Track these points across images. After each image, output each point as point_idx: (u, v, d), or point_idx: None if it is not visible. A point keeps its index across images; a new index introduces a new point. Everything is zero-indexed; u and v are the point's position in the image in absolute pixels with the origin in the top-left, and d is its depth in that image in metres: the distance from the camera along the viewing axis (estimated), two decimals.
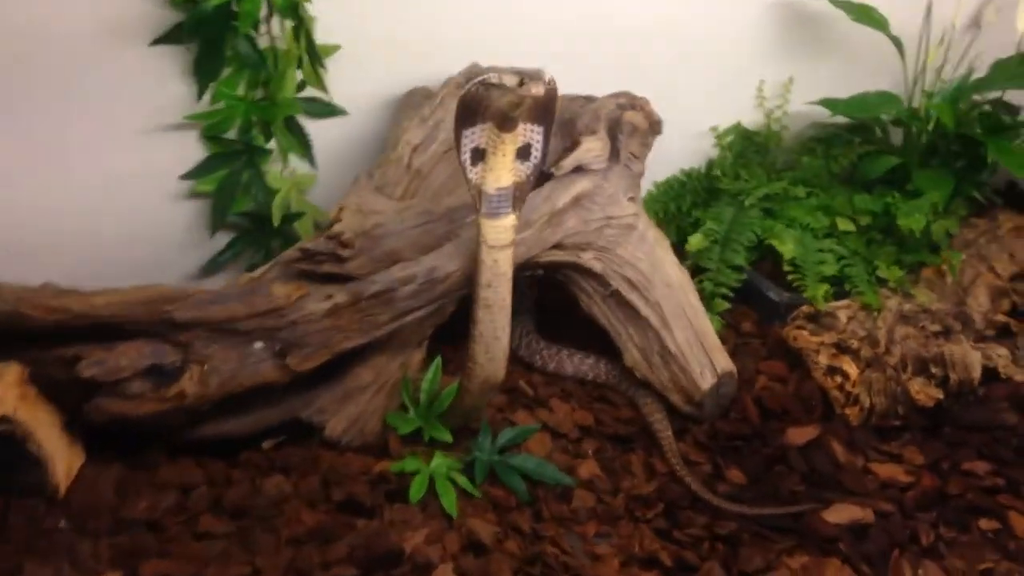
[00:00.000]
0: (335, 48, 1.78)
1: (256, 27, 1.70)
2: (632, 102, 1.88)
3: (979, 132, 2.13)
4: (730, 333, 2.06)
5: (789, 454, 1.80)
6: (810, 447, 1.82)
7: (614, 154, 1.83)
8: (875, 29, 2.14)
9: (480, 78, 1.46)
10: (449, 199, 1.69)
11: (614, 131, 1.83)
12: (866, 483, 1.75)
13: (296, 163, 1.88)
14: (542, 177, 1.72)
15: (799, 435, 1.84)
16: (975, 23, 2.35)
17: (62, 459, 1.57)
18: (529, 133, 1.52)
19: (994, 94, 2.24)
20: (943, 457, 1.83)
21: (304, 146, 1.86)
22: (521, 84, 1.42)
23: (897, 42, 2.16)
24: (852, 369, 1.88)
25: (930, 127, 2.18)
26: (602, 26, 2.13)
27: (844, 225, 2.10)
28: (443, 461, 1.68)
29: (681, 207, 2.22)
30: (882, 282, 2.04)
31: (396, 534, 1.54)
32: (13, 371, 1.49)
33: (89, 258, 1.79)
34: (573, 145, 1.79)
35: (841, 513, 1.68)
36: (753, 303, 2.10)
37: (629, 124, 1.84)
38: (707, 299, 1.98)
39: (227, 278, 1.88)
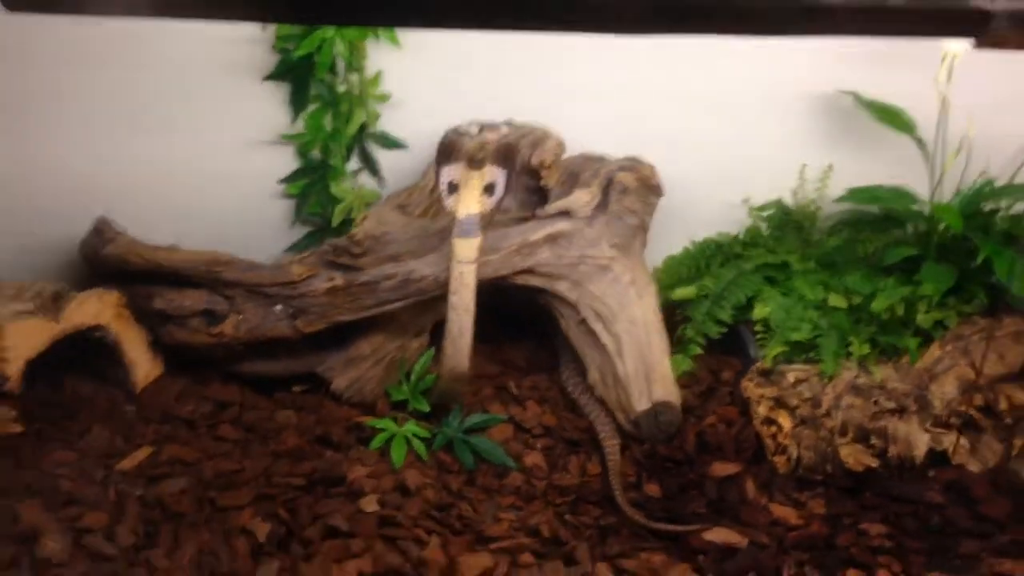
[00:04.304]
0: (386, 97, 2.28)
1: (335, 73, 2.24)
2: (632, 165, 2.25)
3: (980, 235, 2.27)
4: (709, 377, 2.33)
5: (706, 482, 2.07)
6: (727, 481, 2.08)
7: (602, 206, 2.20)
8: (899, 131, 2.35)
9: (454, 127, 1.92)
10: (444, 220, 2.14)
11: (607, 187, 2.21)
12: (758, 517, 1.99)
13: (367, 181, 2.40)
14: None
15: (722, 469, 2.10)
16: None
17: (143, 366, 2.17)
18: (494, 174, 1.96)
19: None
20: (847, 514, 2.02)
21: (373, 169, 2.37)
22: (480, 132, 1.88)
23: (922, 144, 2.35)
24: (786, 422, 2.12)
25: (941, 226, 2.33)
26: (658, 97, 2.48)
27: (835, 301, 2.31)
28: (412, 427, 2.12)
29: (710, 265, 2.52)
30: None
31: (347, 467, 2.00)
32: (113, 296, 2.11)
33: (208, 233, 2.37)
34: (565, 194, 2.19)
35: (718, 534, 1.94)
36: (738, 355, 2.36)
37: (620, 183, 2.21)
38: (685, 343, 2.29)
39: None
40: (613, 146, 2.40)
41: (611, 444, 2.10)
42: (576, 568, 1.86)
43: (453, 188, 1.96)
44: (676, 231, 2.52)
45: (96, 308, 2.07)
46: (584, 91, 2.44)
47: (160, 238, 2.22)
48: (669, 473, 2.11)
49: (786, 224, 2.56)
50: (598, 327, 2.17)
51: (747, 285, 2.36)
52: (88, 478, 1.92)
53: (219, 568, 1.76)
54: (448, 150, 1.95)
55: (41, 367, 2.06)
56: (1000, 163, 2.38)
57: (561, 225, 2.16)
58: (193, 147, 2.34)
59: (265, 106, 2.33)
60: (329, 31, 2.16)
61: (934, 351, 2.25)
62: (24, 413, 2.04)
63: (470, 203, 1.95)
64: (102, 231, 2.18)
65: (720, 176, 2.54)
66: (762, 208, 2.58)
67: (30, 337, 1.97)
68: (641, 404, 2.11)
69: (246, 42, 2.27)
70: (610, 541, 1.91)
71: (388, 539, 1.86)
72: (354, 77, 2.26)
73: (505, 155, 1.94)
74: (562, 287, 2.18)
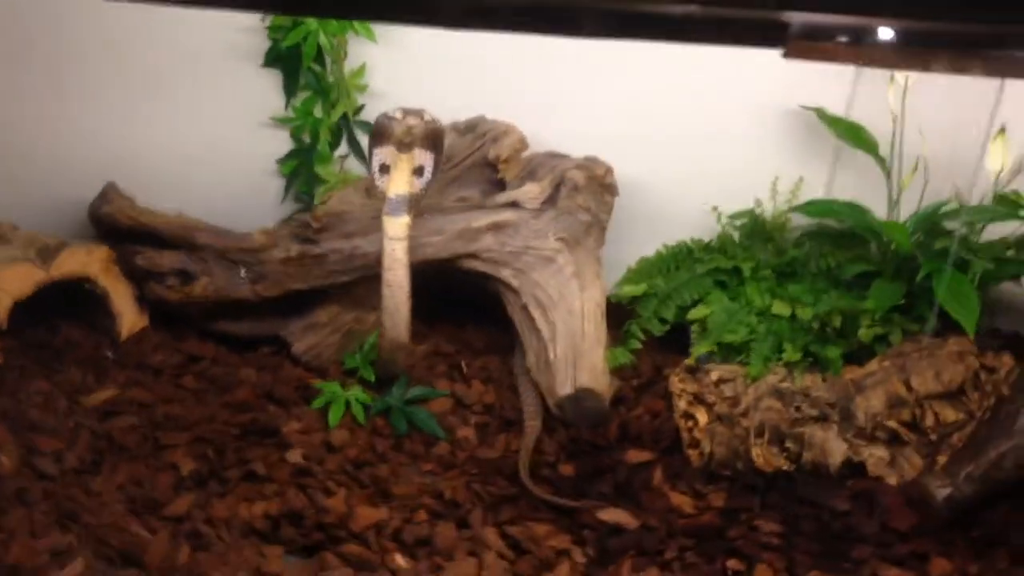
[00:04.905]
0: (364, 87, 2.46)
1: (322, 64, 2.44)
2: (586, 164, 2.36)
3: (922, 255, 2.29)
4: (651, 371, 2.40)
5: (618, 468, 2.17)
6: (638, 467, 2.17)
7: (552, 200, 2.33)
8: (858, 149, 2.39)
9: (384, 112, 2.09)
10: None
11: (559, 184, 2.33)
12: (656, 503, 2.08)
13: (357, 165, 2.58)
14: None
15: (636, 456, 2.20)
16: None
17: (128, 318, 2.42)
18: (423, 158, 2.11)
19: None
20: (745, 510, 2.08)
21: (360, 154, 2.56)
22: (404, 117, 2.04)
23: (883, 163, 2.38)
24: (702, 418, 2.19)
25: (893, 244, 2.36)
26: (639, 101, 2.58)
27: (778, 308, 2.36)
28: (357, 393, 2.29)
29: (679, 267, 2.60)
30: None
31: (283, 421, 2.19)
32: (103, 250, 2.36)
33: (208, 205, 2.60)
34: (519, 187, 2.33)
35: (611, 514, 2.04)
36: (685, 354, 2.44)
37: (571, 180, 2.32)
38: (626, 336, 2.39)
39: None
40: (592, 148, 2.52)
41: (531, 424, 2.22)
42: (467, 531, 1.99)
43: (385, 169, 2.13)
44: (657, 233, 2.63)
45: (84, 260, 2.32)
46: (568, 94, 2.57)
47: (167, 206, 2.47)
48: (587, 456, 2.22)
49: (757, 233, 2.63)
50: (537, 314, 2.29)
51: (696, 287, 2.44)
52: (53, 409, 2.16)
53: (141, 495, 1.97)
54: (380, 133, 2.12)
55: (39, 313, 2.33)
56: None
57: (507, 215, 2.30)
58: (198, 125, 2.58)
59: (266, 90, 2.55)
60: (313, 24, 2.36)
61: (871, 365, 2.28)
62: (14, 350, 2.30)
63: (400, 184, 2.11)
64: (106, 194, 2.43)
65: (701, 183, 2.63)
66: (735, 216, 2.65)
67: (18, 281, 2.23)
68: (565, 389, 2.22)
69: (249, 30, 2.50)
70: (504, 509, 2.04)
71: (300, 487, 2.03)
72: (339, 68, 2.45)
73: (433, 140, 2.11)
74: (506, 274, 2.32)
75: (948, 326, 2.35)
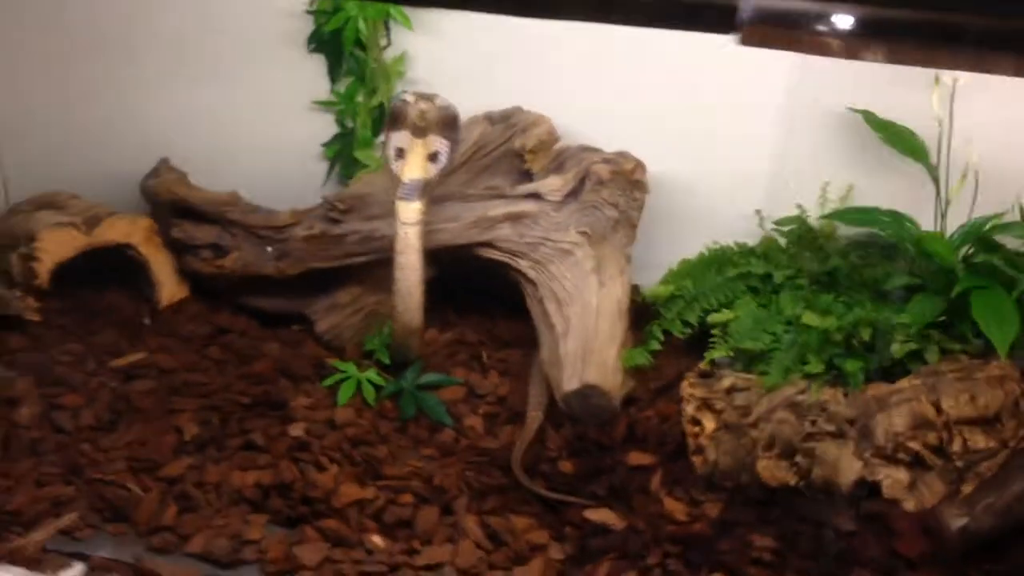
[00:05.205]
0: (402, 74, 2.48)
1: (364, 50, 2.48)
2: (613, 159, 2.32)
3: (965, 269, 2.15)
4: (673, 374, 2.31)
5: (618, 468, 2.12)
6: (638, 470, 2.12)
7: (576, 194, 2.29)
8: (905, 155, 2.26)
9: (399, 95, 2.11)
10: None
11: (584, 177, 2.30)
12: (648, 507, 2.02)
13: None
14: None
15: (638, 459, 2.14)
16: None
17: (168, 287, 2.51)
18: (438, 143, 2.12)
19: None
20: (741, 523, 1.99)
21: None
22: (416, 102, 2.06)
23: (933, 171, 2.25)
24: (709, 425, 2.12)
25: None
26: (684, 98, 2.52)
27: (809, 319, 2.26)
28: (371, 374, 2.31)
29: (721, 271, 2.52)
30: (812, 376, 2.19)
31: (293, 396, 2.24)
32: (145, 221, 2.47)
33: (259, 186, 2.67)
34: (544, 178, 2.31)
35: (599, 514, 2.00)
36: None
37: (596, 174, 2.28)
38: (647, 336, 2.33)
39: None
40: (639, 145, 2.47)
41: (533, 415, 2.20)
42: (449, 517, 1.99)
43: (400, 154, 2.14)
44: (705, 235, 2.55)
45: (126, 230, 2.43)
46: (614, 89, 2.53)
47: (221, 185, 2.56)
48: (589, 455, 2.17)
49: (804, 240, 2.53)
50: (551, 307, 2.27)
51: (725, 291, 2.36)
52: (82, 368, 2.27)
53: (144, 455, 2.05)
54: (396, 117, 2.14)
55: (92, 278, 2.46)
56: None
57: (525, 206, 2.28)
58: (252, 108, 2.66)
59: (316, 75, 2.61)
60: (353, 9, 2.40)
61: (901, 383, 2.15)
62: (60, 311, 2.43)
63: (414, 168, 2.13)
64: (157, 170, 2.54)
65: (753, 185, 2.55)
66: (783, 222, 2.55)
67: (62, 244, 2.35)
68: (571, 384, 2.19)
69: (301, 16, 2.56)
70: (490, 499, 2.02)
71: (294, 460, 2.07)
72: (377, 54, 2.48)
73: (448, 126, 2.11)
74: (524, 265, 2.30)
75: (991, 348, 2.20)
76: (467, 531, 1.94)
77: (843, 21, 1.28)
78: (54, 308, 2.42)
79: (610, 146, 2.46)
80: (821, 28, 1.32)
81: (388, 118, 2.16)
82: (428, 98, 2.10)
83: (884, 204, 2.37)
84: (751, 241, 2.57)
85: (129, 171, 2.64)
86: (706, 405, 2.15)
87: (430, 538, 1.93)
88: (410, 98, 2.10)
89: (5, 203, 2.64)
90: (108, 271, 2.52)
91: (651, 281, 2.49)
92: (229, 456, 2.07)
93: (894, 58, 1.37)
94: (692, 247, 2.54)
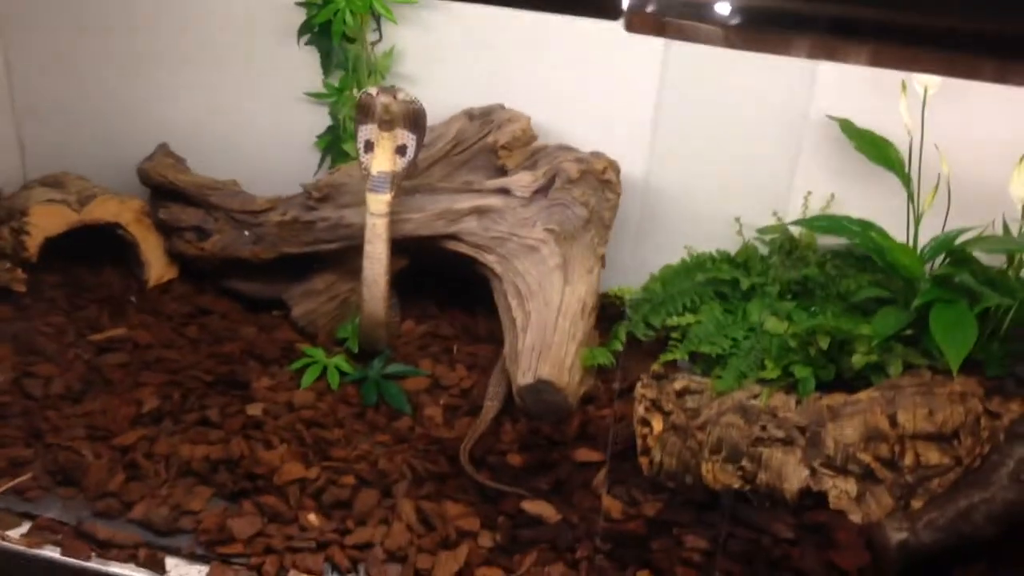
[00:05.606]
0: (388, 67, 2.52)
1: (352, 43, 2.53)
2: (585, 158, 2.33)
3: (929, 282, 2.10)
4: (639, 376, 2.33)
5: (563, 464, 2.12)
6: (583, 466, 2.11)
7: (545, 191, 2.31)
8: (877, 164, 2.22)
9: (366, 89, 2.15)
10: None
11: (553, 175, 2.31)
12: (585, 503, 2.02)
13: None
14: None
15: (585, 455, 2.14)
16: None
17: (157, 268, 2.60)
18: (405, 137, 2.15)
19: None
20: (677, 524, 1.98)
21: None
22: (377, 95, 2.10)
23: (908, 182, 2.21)
24: (657, 426, 2.10)
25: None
26: (679, 110, 2.52)
27: (772, 325, 2.24)
28: (339, 361, 2.35)
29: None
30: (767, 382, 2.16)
31: (256, 377, 2.29)
32: (136, 202, 2.56)
33: (248, 173, 2.75)
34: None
35: (535, 506, 2.00)
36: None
37: (565, 172, 2.30)
38: (612, 337, 2.33)
39: None
40: (625, 148, 2.49)
41: (489, 404, 2.21)
42: (388, 500, 2.01)
43: (369, 147, 2.18)
44: (693, 241, 2.55)
45: (116, 210, 2.52)
46: (603, 92, 2.54)
47: (221, 173, 2.64)
48: (539, 449, 2.18)
49: (785, 248, 2.50)
50: (514, 303, 2.28)
51: (692, 296, 2.35)
52: (60, 339, 2.36)
53: (101, 423, 2.12)
54: (363, 111, 2.18)
55: (82, 255, 2.56)
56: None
57: (492, 200, 2.30)
58: (248, 98, 2.73)
59: (311, 67, 2.67)
60: (341, 2, 2.46)
61: (860, 395, 2.12)
62: (50, 285, 2.53)
63: (383, 161, 2.16)
64: (153, 154, 2.63)
65: (739, 193, 2.54)
66: (765, 231, 2.53)
67: (51, 220, 2.44)
68: (525, 379, 2.20)
69: (297, 8, 2.62)
70: (429, 485, 2.04)
71: (246, 437, 2.12)
72: (366, 48, 2.53)
73: (414, 120, 2.14)
74: (490, 259, 2.32)
75: (967, 366, 2.15)
76: (401, 515, 1.96)
77: (723, 8, 1.27)
78: (45, 282, 2.52)
79: (611, 147, 2.48)
80: (712, 16, 1.31)
81: (356, 111, 2.21)
82: (390, 92, 2.15)
83: (867, 214, 2.33)
84: (735, 249, 2.56)
85: (132, 155, 2.74)
86: (655, 406, 2.14)
87: (365, 519, 1.96)
88: (374, 91, 2.15)
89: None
90: (103, 250, 2.61)
91: (637, 283, 2.49)
92: (183, 430, 2.13)
93: (793, 52, 1.35)
94: (683, 253, 2.55)
